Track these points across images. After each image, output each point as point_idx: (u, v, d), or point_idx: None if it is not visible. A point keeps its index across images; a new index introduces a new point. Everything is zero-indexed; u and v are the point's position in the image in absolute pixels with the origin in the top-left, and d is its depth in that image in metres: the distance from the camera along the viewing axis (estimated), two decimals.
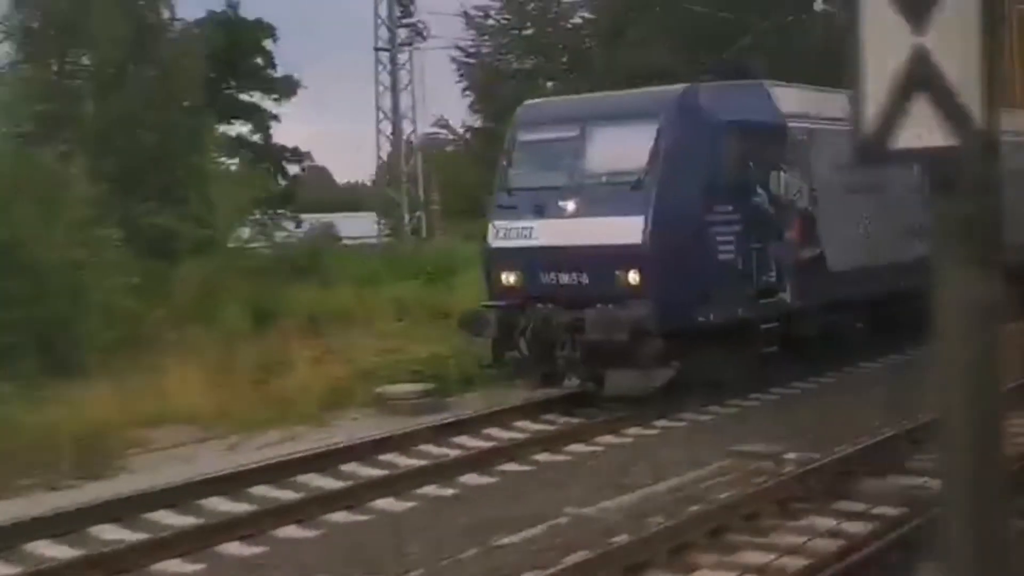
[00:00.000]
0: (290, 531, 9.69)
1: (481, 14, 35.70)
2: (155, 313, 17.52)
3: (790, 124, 15.59)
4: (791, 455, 10.49)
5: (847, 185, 16.67)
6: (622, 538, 8.50)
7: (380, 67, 33.31)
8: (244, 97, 31.54)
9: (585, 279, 14.02)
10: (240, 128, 31.38)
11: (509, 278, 14.65)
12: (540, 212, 14.33)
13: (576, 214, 14.08)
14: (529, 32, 35.85)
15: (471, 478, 11.25)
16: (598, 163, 14.22)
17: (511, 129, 15.41)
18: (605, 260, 13.81)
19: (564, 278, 14.16)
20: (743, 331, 14.77)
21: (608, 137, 14.28)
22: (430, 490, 10.83)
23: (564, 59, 35.10)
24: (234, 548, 9.23)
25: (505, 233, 14.69)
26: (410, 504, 10.42)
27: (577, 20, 36.61)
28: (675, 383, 14.94)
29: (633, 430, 13.34)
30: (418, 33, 32.85)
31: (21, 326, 14.95)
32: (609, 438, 12.94)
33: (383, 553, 8.65)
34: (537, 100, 15.86)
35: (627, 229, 13.66)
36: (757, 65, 16.98)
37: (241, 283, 19.18)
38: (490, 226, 15.02)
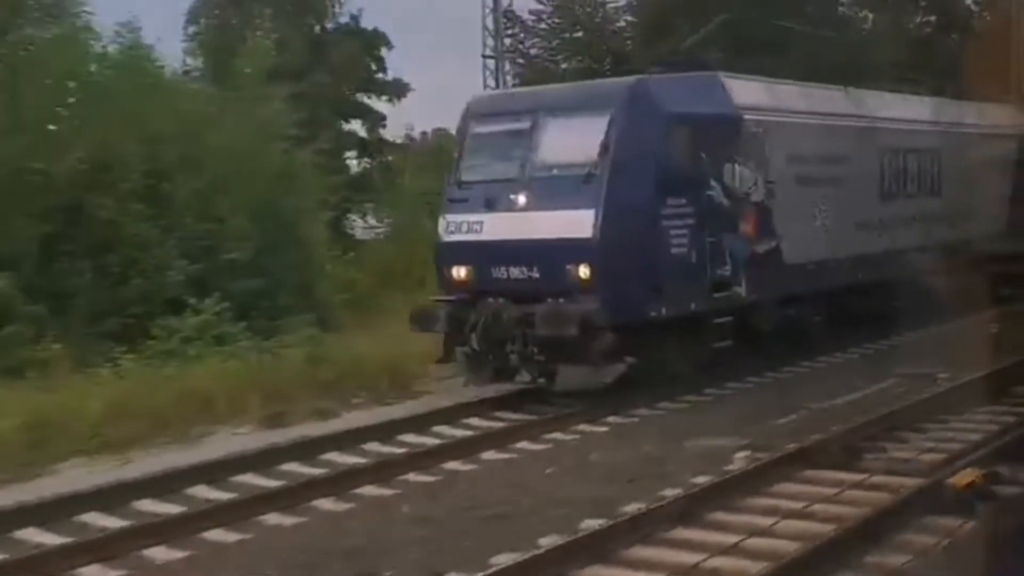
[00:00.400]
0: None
1: (534, 18, 36.27)
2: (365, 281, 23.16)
3: (745, 116, 15.44)
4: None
5: (804, 178, 16.58)
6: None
7: (487, 72, 34.04)
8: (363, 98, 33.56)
9: (536, 273, 13.84)
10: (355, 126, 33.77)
11: (460, 273, 14.45)
12: (490, 206, 14.13)
13: (526, 208, 13.87)
14: (579, 35, 36.29)
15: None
16: (549, 156, 14.01)
17: (462, 121, 15.21)
18: (555, 254, 13.62)
19: (515, 272, 13.97)
20: (696, 325, 14.63)
21: (559, 129, 14.07)
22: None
23: (607, 60, 35.57)
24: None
25: (456, 227, 14.49)
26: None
27: (621, 23, 37.05)
28: (628, 378, 14.83)
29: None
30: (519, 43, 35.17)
31: (296, 289, 19.21)
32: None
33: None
34: (490, 92, 15.64)
35: (577, 223, 13.47)
36: (712, 57, 16.76)
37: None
38: (440, 220, 14.82)
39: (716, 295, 14.73)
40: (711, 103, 15.07)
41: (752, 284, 15.33)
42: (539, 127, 14.18)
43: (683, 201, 14.25)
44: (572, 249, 13.50)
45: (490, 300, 14.07)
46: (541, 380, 14.32)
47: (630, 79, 14.49)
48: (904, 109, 19.77)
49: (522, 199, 13.93)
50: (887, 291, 18.93)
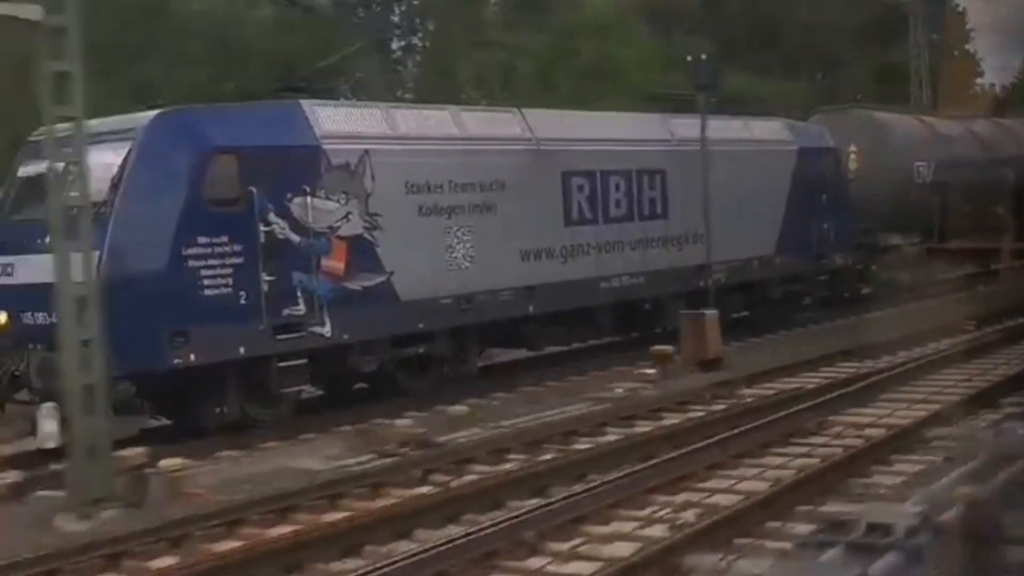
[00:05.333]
0: None
1: None
2: None
3: (329, 146, 14.53)
4: None
5: (431, 207, 15.64)
6: None
7: None
8: None
9: (56, 319, 13.06)
10: None
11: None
12: (21, 248, 13.42)
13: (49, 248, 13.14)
14: None
15: None
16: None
17: (17, 158, 14.53)
18: None
19: (40, 317, 13.22)
20: (258, 369, 13.78)
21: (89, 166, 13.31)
22: None
23: None
24: None
25: None
26: None
27: None
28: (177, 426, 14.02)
29: None
30: None
31: None
32: None
33: None
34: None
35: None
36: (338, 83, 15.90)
37: None
38: None
39: (281, 337, 13.84)
40: (278, 134, 14.21)
41: (343, 324, 14.42)
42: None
43: (224, 239, 13.38)
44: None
45: (30, 346, 13.35)
46: None
47: (154, 112, 13.67)
48: (610, 129, 18.70)
49: (49, 239, 13.18)
50: (578, 320, 18.00)
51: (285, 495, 10.44)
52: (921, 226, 25.73)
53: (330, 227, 14.45)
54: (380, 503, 10.24)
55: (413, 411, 14.64)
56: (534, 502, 9.69)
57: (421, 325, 15.45)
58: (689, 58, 20.16)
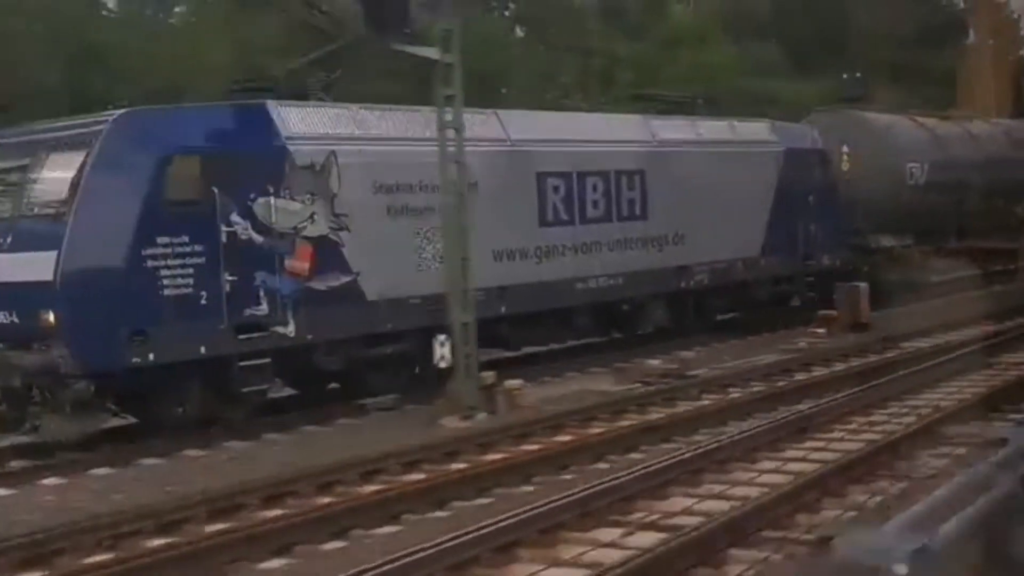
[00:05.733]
0: None
1: None
2: None
3: (294, 147, 14.60)
4: None
5: (401, 208, 15.70)
6: None
7: None
8: None
9: (16, 318, 13.21)
10: None
11: None
12: None
13: (9, 249, 13.29)
14: None
15: None
16: (37, 195, 13.40)
17: None
18: (27, 298, 13.00)
19: (1, 316, 13.36)
20: (221, 369, 13.86)
21: (50, 167, 13.45)
22: None
23: None
24: None
25: None
26: None
27: None
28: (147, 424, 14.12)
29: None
30: None
31: None
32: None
33: None
34: (11, 128, 15.06)
35: (41, 265, 12.83)
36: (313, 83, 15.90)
37: None
38: None
39: (243, 336, 13.92)
40: (242, 135, 14.30)
41: (307, 323, 14.50)
42: (36, 164, 13.57)
43: (185, 239, 13.46)
44: (38, 293, 12.87)
45: None
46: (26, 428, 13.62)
47: (116, 113, 13.76)
48: (587, 130, 18.71)
49: (9, 240, 13.34)
50: (555, 320, 18.05)
51: (590, 407, 14.42)
52: (914, 227, 25.60)
53: (295, 228, 14.52)
54: (680, 408, 14.27)
55: (658, 355, 18.23)
56: (773, 415, 13.22)
57: (389, 325, 15.49)
58: (845, 76, 22.09)
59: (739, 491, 9.86)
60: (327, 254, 14.83)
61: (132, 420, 14.38)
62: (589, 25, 37.21)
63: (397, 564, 7.54)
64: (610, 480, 9.82)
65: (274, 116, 14.64)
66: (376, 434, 13.57)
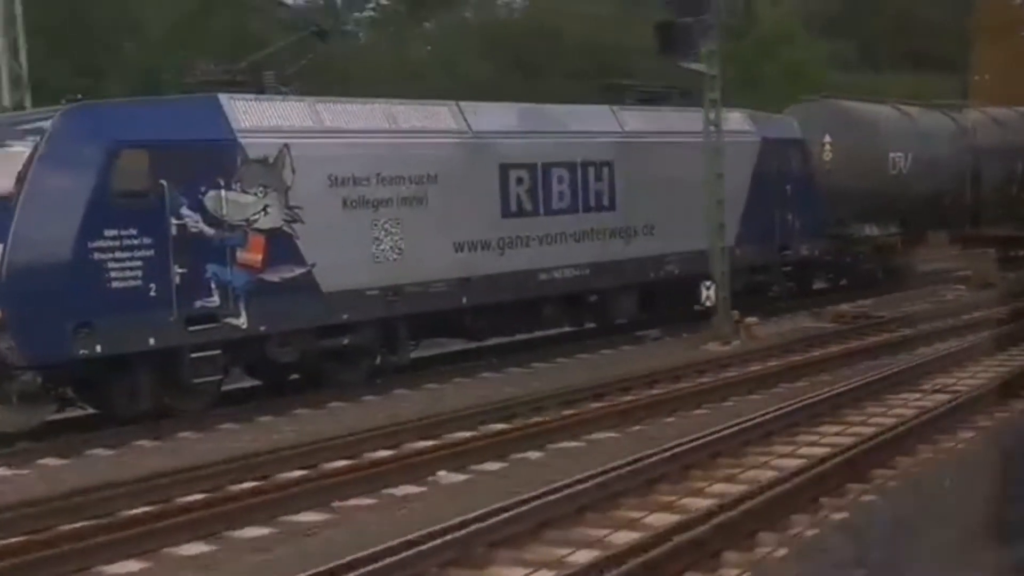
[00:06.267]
0: None
1: None
2: None
3: (245, 140, 14.69)
4: None
5: (357, 200, 15.78)
6: None
7: None
8: None
9: None
10: None
11: None
12: None
13: None
14: None
15: None
16: None
17: None
18: None
19: None
20: (171, 360, 13.99)
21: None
22: None
23: None
24: None
25: None
26: None
27: None
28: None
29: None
30: None
31: None
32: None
33: None
34: None
35: None
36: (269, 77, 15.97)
37: None
38: None
39: (194, 328, 14.04)
40: (191, 128, 14.39)
41: (260, 315, 14.61)
42: None
43: (133, 232, 13.58)
44: None
45: None
46: None
47: (65, 106, 13.86)
48: (552, 121, 18.73)
49: None
50: (519, 311, 18.11)
51: (809, 337, 19.26)
52: (898, 217, 25.54)
53: (247, 220, 14.62)
54: (873, 338, 18.87)
55: (845, 302, 23.20)
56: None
57: (345, 316, 15.60)
58: None
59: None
60: (281, 246, 14.93)
61: (88, 411, 14.55)
62: None
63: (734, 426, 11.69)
64: (841, 386, 13.86)
65: (226, 109, 14.74)
66: (655, 352, 18.65)
